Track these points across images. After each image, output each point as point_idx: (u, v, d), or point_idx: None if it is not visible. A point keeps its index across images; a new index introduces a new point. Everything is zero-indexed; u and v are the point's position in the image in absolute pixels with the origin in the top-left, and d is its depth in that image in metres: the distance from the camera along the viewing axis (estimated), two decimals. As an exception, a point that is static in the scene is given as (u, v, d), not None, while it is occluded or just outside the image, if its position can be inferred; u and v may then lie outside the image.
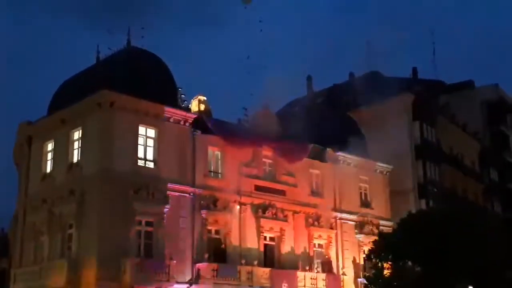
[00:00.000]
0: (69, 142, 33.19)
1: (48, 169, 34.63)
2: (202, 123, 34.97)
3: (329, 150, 41.17)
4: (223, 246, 34.25)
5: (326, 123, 41.58)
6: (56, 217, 32.32)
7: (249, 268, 34.22)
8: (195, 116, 34.70)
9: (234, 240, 35.05)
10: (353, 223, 42.00)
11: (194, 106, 36.29)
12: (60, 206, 32.13)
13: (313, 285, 36.80)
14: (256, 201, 36.72)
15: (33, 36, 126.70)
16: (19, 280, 32.85)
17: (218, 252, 33.89)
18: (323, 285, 37.29)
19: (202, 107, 36.80)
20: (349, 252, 41.09)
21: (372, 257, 35.25)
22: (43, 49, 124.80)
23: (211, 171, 35.25)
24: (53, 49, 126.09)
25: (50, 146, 34.84)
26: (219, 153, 35.78)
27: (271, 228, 37.15)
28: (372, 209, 43.58)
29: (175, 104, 34.24)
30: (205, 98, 37.51)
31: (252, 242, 36.01)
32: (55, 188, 33.03)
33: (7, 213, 41.20)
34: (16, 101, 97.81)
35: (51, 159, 34.65)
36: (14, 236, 37.00)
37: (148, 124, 32.74)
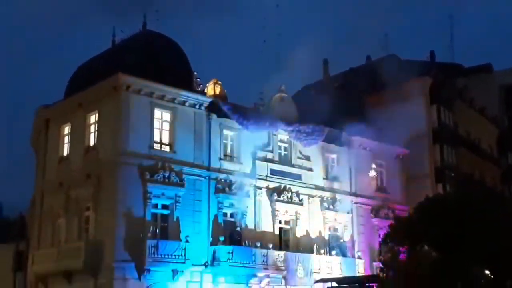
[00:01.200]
0: (85, 125, 33.42)
1: (65, 153, 34.94)
2: (217, 107, 34.98)
3: (344, 134, 41.00)
4: (238, 229, 34.38)
5: (342, 107, 41.29)
6: (73, 200, 32.65)
7: (264, 251, 34.36)
8: (210, 99, 34.72)
9: (249, 223, 35.18)
10: (369, 207, 41.92)
11: (209, 90, 36.29)
12: (77, 189, 32.44)
13: (328, 269, 36.86)
14: (272, 185, 36.78)
15: (48, 20, 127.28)
16: (37, 262, 33.31)
17: (233, 235, 34.00)
18: (338, 269, 37.32)
19: (218, 91, 36.77)
20: (365, 236, 41.07)
21: (388, 241, 35.12)
22: (59, 34, 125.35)
23: (226, 155, 35.33)
24: (69, 33, 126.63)
25: (67, 129, 35.12)
26: (234, 136, 35.82)
27: (286, 212, 37.21)
28: (388, 193, 43.42)
29: (190, 87, 34.27)
30: (220, 82, 37.48)
31: (267, 226, 36.12)
32: (72, 171, 33.33)
33: (25, 196, 41.70)
34: (33, 86, 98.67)
35: (68, 143, 34.95)
36: (32, 219, 37.49)
37: (163, 107, 32.84)
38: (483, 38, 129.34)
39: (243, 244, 33.88)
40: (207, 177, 33.81)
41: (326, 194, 39.39)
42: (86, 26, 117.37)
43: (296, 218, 37.52)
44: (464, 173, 51.65)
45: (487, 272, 32.65)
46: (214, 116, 34.67)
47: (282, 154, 38.16)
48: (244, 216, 34.99)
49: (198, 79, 35.80)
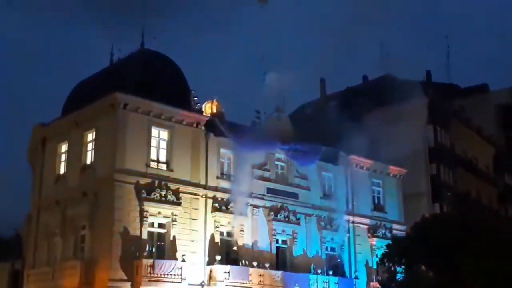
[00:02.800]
0: (82, 143, 33.41)
1: (62, 171, 34.88)
2: (214, 125, 35.02)
3: (341, 152, 41.01)
4: (235, 248, 34.21)
5: (339, 126, 41.38)
6: (69, 219, 32.52)
7: (261, 270, 34.17)
8: (207, 118, 34.77)
9: (246, 242, 35.03)
10: (366, 226, 41.80)
11: (207, 108, 36.35)
12: (73, 208, 32.33)
13: (325, 288, 36.63)
14: (268, 204, 36.70)
15: (46, 38, 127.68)
16: (32, 281, 33.10)
17: (230, 254, 33.82)
18: (336, 289, 37.09)
19: (215, 109, 36.84)
20: (362, 255, 40.87)
21: (385, 261, 35.03)
22: (57, 51, 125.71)
23: (223, 174, 35.28)
24: (67, 51, 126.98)
25: (64, 147, 35.09)
26: (231, 155, 35.80)
27: (283, 231, 37.08)
28: (385, 212, 43.36)
29: (188, 106, 34.34)
30: (217, 102, 37.54)
31: (264, 245, 35.97)
32: (68, 189, 33.25)
33: (21, 214, 41.46)
34: (30, 103, 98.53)
35: (64, 161, 34.90)
36: (28, 237, 37.23)
37: (161, 126, 32.87)
38: (478, 58, 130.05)
39: (240, 264, 33.71)
40: (204, 196, 33.74)
41: (323, 213, 39.29)
42: (84, 44, 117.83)
43: (293, 238, 37.38)
44: (460, 193, 51.68)
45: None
46: (211, 134, 34.70)
47: (279, 173, 38.14)
48: (241, 235, 34.84)
49: (196, 98, 35.88)
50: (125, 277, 29.55)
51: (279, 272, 35.02)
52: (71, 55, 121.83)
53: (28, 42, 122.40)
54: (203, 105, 36.26)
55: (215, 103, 36.77)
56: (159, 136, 32.92)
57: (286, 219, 37.17)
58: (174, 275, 30.22)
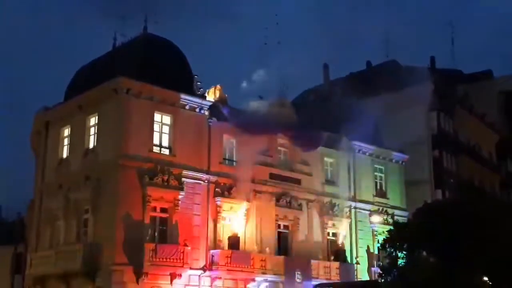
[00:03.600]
0: (85, 128, 33.41)
1: (65, 155, 34.94)
2: (217, 110, 35.00)
3: (344, 139, 40.98)
4: (237, 233, 34.31)
5: (342, 112, 41.31)
6: (72, 203, 32.62)
7: (263, 256, 34.31)
8: (210, 103, 34.73)
9: (248, 227, 35.13)
10: (367, 212, 41.89)
11: (210, 93, 36.30)
12: (76, 192, 32.41)
13: (326, 274, 36.77)
14: (271, 189, 36.75)
15: (49, 23, 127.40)
16: (35, 264, 33.27)
17: (232, 239, 33.94)
18: (337, 274, 37.24)
19: (218, 94, 36.77)
20: (363, 241, 41.02)
21: (387, 247, 35.09)
22: (60, 37, 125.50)
23: (226, 159, 35.30)
24: (70, 35, 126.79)
25: (66, 132, 35.13)
26: (234, 141, 35.80)
27: (285, 217, 37.18)
28: (388, 198, 43.41)
29: (190, 91, 34.28)
30: (220, 87, 37.46)
31: (266, 230, 36.06)
32: (71, 173, 33.33)
33: (24, 198, 41.65)
34: (33, 89, 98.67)
35: (67, 145, 34.96)
36: (31, 221, 37.43)
37: (163, 111, 32.84)
38: (483, 45, 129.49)
39: (242, 249, 33.80)
40: (206, 181, 33.80)
41: (325, 199, 39.35)
42: (87, 29, 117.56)
43: (295, 223, 37.48)
44: (463, 179, 51.67)
45: (485, 278, 32.61)
46: (214, 119, 34.68)
47: (282, 158, 38.14)
48: (243, 220, 34.92)
49: (199, 83, 35.81)
50: (128, 261, 29.66)
51: (281, 257, 35.18)
52: (74, 40, 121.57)
53: (30, 28, 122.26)
54: (206, 90, 36.22)
55: (218, 88, 36.71)
56: (161, 121, 32.90)
57: (288, 204, 37.25)
58: (176, 259, 30.35)
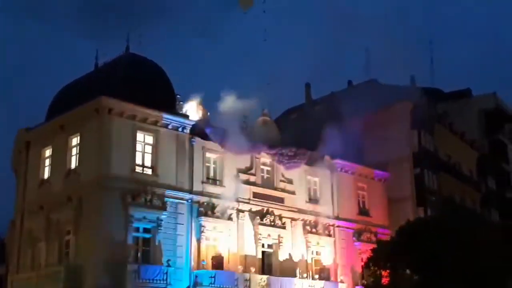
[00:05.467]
0: (67, 148, 33.18)
1: (46, 175, 34.61)
2: (200, 129, 35.02)
3: (327, 157, 41.19)
4: (220, 253, 34.16)
5: (324, 130, 41.63)
6: (54, 224, 32.28)
7: (247, 275, 34.17)
8: (193, 122, 34.75)
9: (232, 247, 35.00)
10: (351, 230, 41.98)
11: (192, 112, 36.32)
12: (57, 213, 32.10)
13: (311, 293, 36.68)
14: (254, 208, 36.73)
15: (31, 42, 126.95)
16: (16, 287, 32.74)
17: (215, 259, 33.77)
18: (321, 293, 37.17)
19: (200, 114, 36.83)
20: (347, 259, 41.02)
21: (371, 265, 35.24)
22: (42, 56, 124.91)
23: (209, 178, 35.26)
24: (52, 55, 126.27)
25: (48, 152, 34.84)
26: (217, 159, 35.81)
27: (269, 235, 37.11)
28: (370, 216, 43.58)
29: (173, 111, 34.29)
30: (202, 106, 37.52)
31: (250, 249, 35.96)
32: (53, 194, 33.01)
33: (4, 219, 41.14)
34: (15, 108, 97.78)
35: (49, 165, 34.64)
36: (12, 242, 36.92)
37: (146, 130, 32.78)
38: (462, 64, 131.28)
39: (225, 269, 33.65)
40: (189, 200, 33.69)
41: (309, 218, 39.39)
42: (69, 48, 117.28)
43: (279, 242, 37.42)
44: (445, 197, 52.04)
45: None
46: (196, 139, 34.68)
47: (265, 177, 38.18)
48: (227, 239, 34.80)
49: (181, 102, 35.85)
50: (110, 283, 29.31)
51: (265, 277, 35.07)
52: (56, 60, 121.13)
53: (12, 47, 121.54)
54: (188, 109, 36.25)
55: (200, 107, 36.79)
56: (144, 141, 32.81)
57: (272, 223, 37.21)
58: (160, 280, 30.12)
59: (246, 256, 35.47)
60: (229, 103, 35.61)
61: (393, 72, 52.66)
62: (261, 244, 36.70)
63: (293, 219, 38.59)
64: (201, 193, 34.24)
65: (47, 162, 34.80)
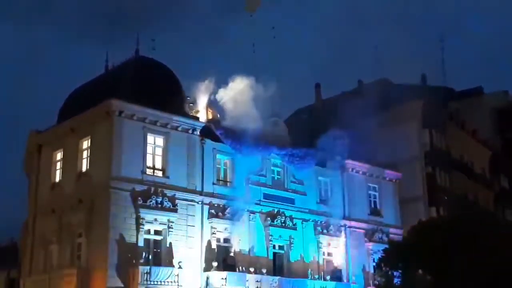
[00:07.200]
0: (78, 151, 33.32)
1: (58, 178, 34.78)
2: (210, 131, 35.03)
3: (337, 157, 41.03)
4: (232, 254, 34.17)
5: (334, 130, 41.53)
6: (66, 226, 32.43)
7: (258, 276, 34.14)
8: (203, 124, 34.78)
9: (243, 248, 34.99)
10: (362, 231, 41.81)
11: (203, 114, 36.38)
12: (69, 215, 32.24)
13: (322, 294, 36.59)
14: (265, 209, 36.70)
15: (43, 46, 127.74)
16: (28, 289, 32.94)
17: (227, 260, 33.78)
18: (333, 294, 37.06)
19: (211, 115, 36.87)
20: (359, 260, 40.86)
21: (382, 266, 35.06)
22: (53, 59, 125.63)
23: (219, 179, 35.26)
24: (63, 59, 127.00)
25: (59, 155, 35.01)
26: (228, 161, 35.80)
27: (280, 236, 37.07)
28: (382, 217, 43.38)
29: (183, 112, 34.34)
30: (213, 107, 37.56)
31: (261, 251, 35.94)
32: (64, 197, 33.16)
33: (17, 222, 41.41)
34: (26, 111, 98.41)
35: (60, 168, 34.81)
36: (24, 245, 37.15)
37: (156, 132, 32.85)
38: (473, 61, 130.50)
39: (237, 270, 33.64)
40: (200, 202, 33.71)
41: (320, 218, 39.27)
42: (80, 52, 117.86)
43: (290, 243, 37.35)
44: (457, 196, 51.72)
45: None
46: (207, 140, 34.69)
47: (276, 178, 38.12)
48: (238, 241, 34.79)
49: (191, 104, 35.90)
50: (122, 285, 29.47)
51: (276, 278, 35.01)
52: (66, 63, 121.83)
53: (23, 52, 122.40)
54: (199, 111, 36.31)
55: (210, 109, 36.82)
56: (154, 143, 32.90)
57: (283, 224, 37.15)
58: (171, 282, 30.16)
59: (257, 257, 35.43)
60: (238, 104, 35.59)
61: (404, 71, 52.42)
62: (272, 245, 36.65)
63: (304, 220, 38.51)
64: (212, 195, 34.26)
65: (59, 165, 34.97)
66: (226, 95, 36.56)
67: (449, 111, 58.11)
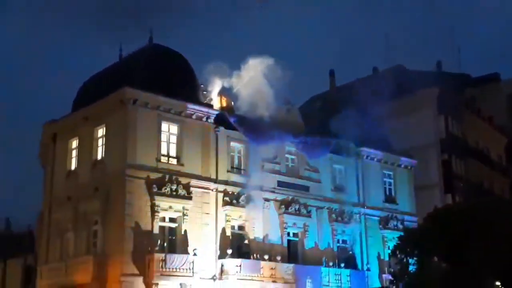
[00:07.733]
0: (93, 139, 33.47)
1: (73, 167, 34.99)
2: (224, 119, 34.99)
3: (352, 145, 40.83)
4: (246, 241, 34.22)
5: (349, 118, 41.33)
6: (81, 214, 32.64)
7: (272, 264, 34.17)
8: (217, 112, 34.74)
9: (257, 235, 35.02)
10: (377, 218, 41.67)
11: (216, 102, 36.33)
12: (85, 203, 32.44)
13: (337, 281, 36.56)
14: (279, 197, 36.65)
15: (57, 35, 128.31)
16: (45, 277, 33.25)
17: (241, 248, 33.84)
18: (348, 281, 37.02)
19: (225, 103, 36.79)
20: (374, 247, 40.76)
21: (397, 253, 34.88)
22: (67, 48, 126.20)
23: (234, 167, 35.26)
24: (77, 47, 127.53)
25: (74, 143, 35.19)
26: (242, 149, 35.77)
27: (295, 224, 37.04)
28: (397, 204, 43.19)
29: (197, 100, 34.32)
30: (227, 95, 37.48)
31: (276, 238, 35.94)
32: (80, 185, 33.36)
33: (33, 211, 41.78)
34: (41, 102, 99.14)
35: (75, 157, 35.00)
36: (40, 233, 37.46)
37: (170, 120, 32.87)
38: (489, 47, 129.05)
39: (251, 257, 33.70)
40: (214, 190, 33.75)
41: (335, 206, 39.18)
42: (94, 41, 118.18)
43: (305, 230, 37.33)
44: (473, 183, 51.38)
45: (498, 283, 32.34)
46: (221, 128, 34.66)
47: (290, 165, 38.04)
48: (252, 228, 34.83)
49: (205, 92, 35.85)
50: (137, 272, 29.67)
51: (291, 265, 35.00)
52: (80, 52, 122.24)
53: (38, 40, 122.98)
54: (213, 99, 36.25)
55: (224, 97, 36.74)
56: (169, 131, 32.94)
57: (297, 212, 37.11)
58: (186, 269, 30.27)
59: (272, 245, 35.45)
60: (252, 91, 35.45)
61: (419, 58, 52.10)
62: (286, 233, 36.64)
63: (318, 208, 38.43)
64: (226, 183, 34.27)
65: (74, 153, 35.15)
66: (239, 82, 36.43)
67: (465, 98, 57.65)
